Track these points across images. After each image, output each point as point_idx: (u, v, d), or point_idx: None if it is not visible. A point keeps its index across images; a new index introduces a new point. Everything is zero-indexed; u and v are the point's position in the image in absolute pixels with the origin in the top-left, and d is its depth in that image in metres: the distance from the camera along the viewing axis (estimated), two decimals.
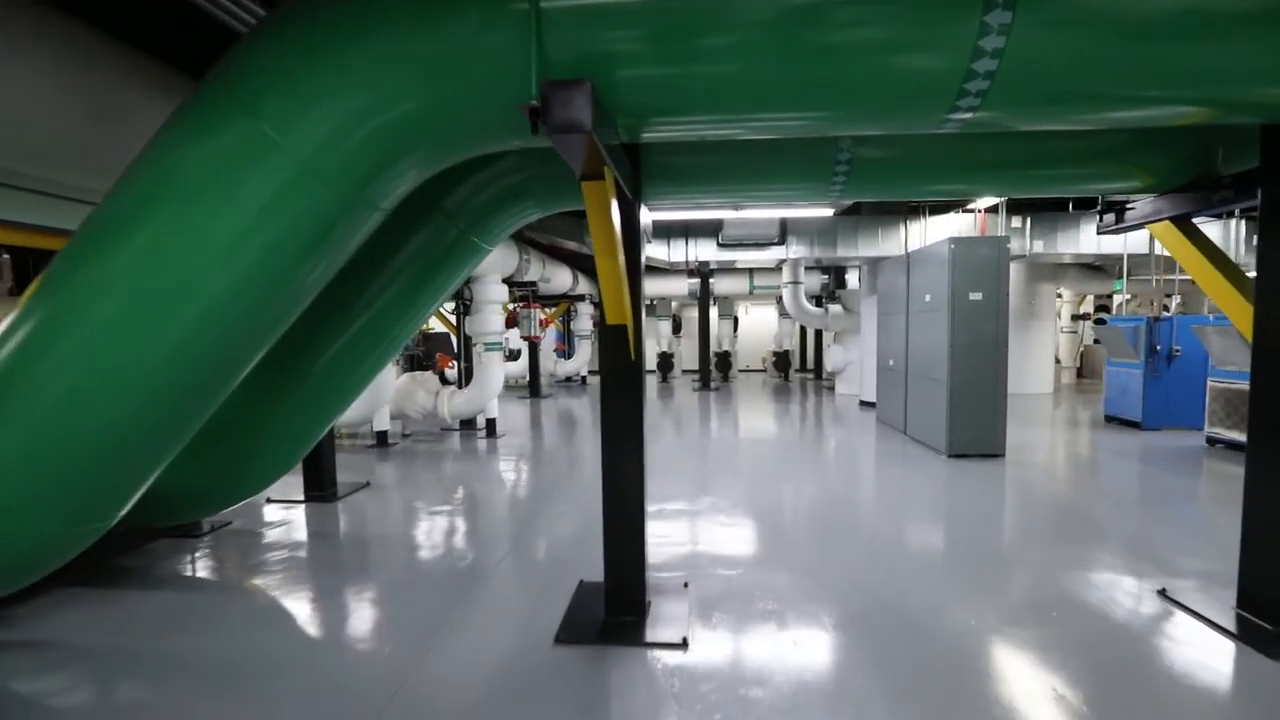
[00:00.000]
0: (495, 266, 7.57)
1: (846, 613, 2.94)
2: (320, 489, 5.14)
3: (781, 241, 9.20)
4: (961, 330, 6.02)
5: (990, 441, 6.07)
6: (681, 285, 13.82)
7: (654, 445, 7.30)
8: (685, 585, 3.22)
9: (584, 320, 14.82)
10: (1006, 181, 3.26)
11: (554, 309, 14.74)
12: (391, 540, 4.16)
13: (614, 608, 2.88)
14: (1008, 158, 3.11)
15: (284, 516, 4.65)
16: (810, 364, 17.74)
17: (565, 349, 17.45)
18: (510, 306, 10.73)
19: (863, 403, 10.25)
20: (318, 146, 2.02)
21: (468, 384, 7.99)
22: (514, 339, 13.11)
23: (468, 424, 8.60)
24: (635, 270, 2.70)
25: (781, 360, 16.19)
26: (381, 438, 7.40)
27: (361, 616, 3.06)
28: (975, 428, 6.06)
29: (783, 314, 15.68)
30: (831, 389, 13.05)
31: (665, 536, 4.03)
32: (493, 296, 7.74)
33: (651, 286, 13.96)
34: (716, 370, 16.28)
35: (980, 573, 3.42)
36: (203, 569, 3.71)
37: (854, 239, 8.91)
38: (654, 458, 6.53)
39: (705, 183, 3.23)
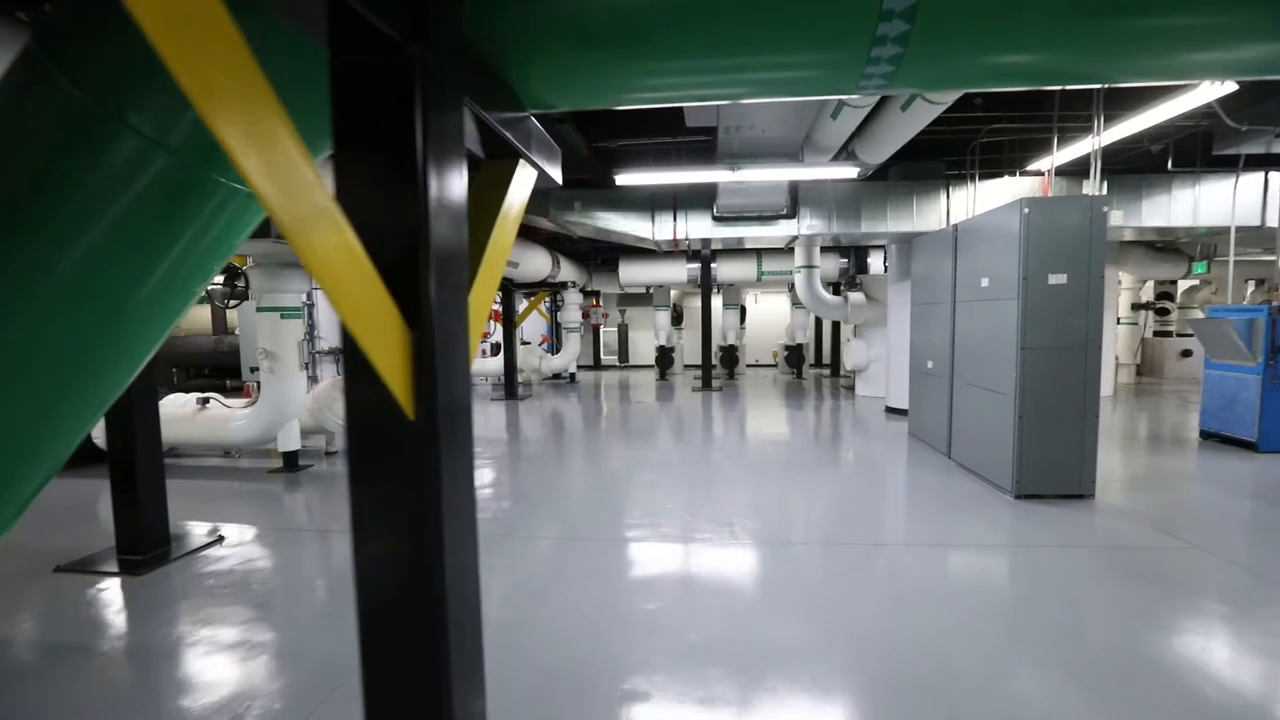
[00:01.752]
0: None
1: None
2: (135, 551, 3.69)
3: (792, 215, 7.53)
4: (1037, 327, 4.38)
5: (1075, 479, 4.44)
6: (680, 270, 12.22)
7: (626, 472, 5.75)
8: None
9: (572, 311, 13.32)
10: (1167, 47, 1.66)
11: (533, 297, 13.24)
12: (180, 665, 2.68)
13: None
14: None
15: (43, 607, 3.19)
16: (827, 358, 16.10)
17: (552, 342, 16.00)
18: None
19: (889, 409, 8.61)
20: None
21: None
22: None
23: None
24: (415, 214, 1.15)
25: (794, 355, 14.50)
26: (289, 460, 5.95)
27: None
28: (1054, 460, 4.43)
29: (795, 303, 14.01)
30: (851, 389, 11.42)
31: (588, 666, 2.51)
32: None
33: (644, 272, 12.35)
34: (721, 366, 14.67)
35: None
36: None
37: (882, 210, 7.20)
38: (620, 490, 4.98)
39: (645, 52, 1.68)
